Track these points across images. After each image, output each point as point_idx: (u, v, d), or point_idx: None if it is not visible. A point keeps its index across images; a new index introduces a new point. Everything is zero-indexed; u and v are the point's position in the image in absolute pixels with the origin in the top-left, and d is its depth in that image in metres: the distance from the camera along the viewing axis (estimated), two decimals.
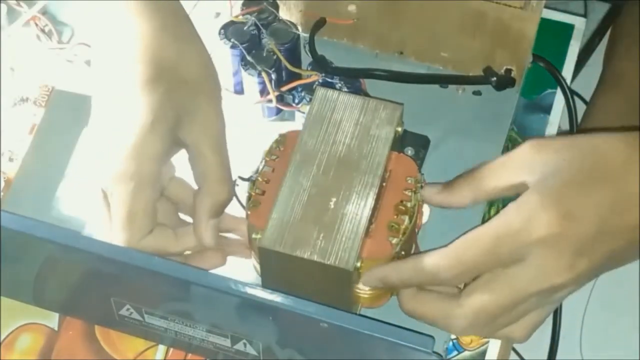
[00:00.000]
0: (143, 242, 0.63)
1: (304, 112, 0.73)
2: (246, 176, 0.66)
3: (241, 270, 0.68)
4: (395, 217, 0.64)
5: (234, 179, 0.69)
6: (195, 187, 0.66)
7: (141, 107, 0.63)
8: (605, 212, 0.58)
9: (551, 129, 0.76)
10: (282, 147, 0.67)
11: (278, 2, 0.75)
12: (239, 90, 0.76)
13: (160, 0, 0.66)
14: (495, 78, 0.76)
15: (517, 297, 0.59)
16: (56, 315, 0.71)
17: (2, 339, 0.71)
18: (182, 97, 0.64)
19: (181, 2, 0.80)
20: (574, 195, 0.58)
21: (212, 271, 0.66)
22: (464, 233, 0.60)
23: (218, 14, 0.81)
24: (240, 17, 0.74)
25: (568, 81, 0.78)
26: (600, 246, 0.58)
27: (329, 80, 0.75)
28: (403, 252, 0.65)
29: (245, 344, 0.65)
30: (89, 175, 0.67)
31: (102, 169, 0.64)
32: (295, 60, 0.75)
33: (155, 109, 0.63)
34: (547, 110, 0.78)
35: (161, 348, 0.70)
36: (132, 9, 0.65)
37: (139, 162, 0.63)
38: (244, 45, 0.72)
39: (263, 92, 0.73)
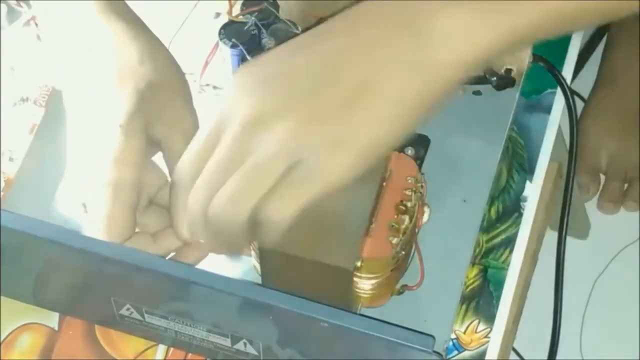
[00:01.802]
0: None
1: None
2: None
3: (241, 270, 0.68)
4: (395, 217, 0.64)
5: None
6: None
7: (111, 112, 0.63)
8: (289, 50, 0.58)
9: (551, 128, 0.76)
10: None
11: (278, 2, 0.75)
12: None
13: (112, 0, 0.66)
14: (495, 78, 0.76)
15: (214, 127, 0.57)
16: (56, 315, 0.71)
17: (2, 338, 0.71)
18: (149, 96, 0.64)
19: (181, 2, 0.81)
20: (254, 61, 0.59)
21: (213, 271, 0.66)
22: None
23: (218, 14, 0.81)
24: (240, 17, 0.74)
25: (568, 81, 0.78)
26: (288, 72, 0.56)
27: None
28: (403, 252, 0.65)
29: (245, 344, 0.65)
30: (79, 181, 0.68)
31: (79, 182, 0.64)
32: None
33: (124, 113, 0.63)
34: (547, 110, 0.78)
35: (161, 348, 0.70)
36: (90, 13, 0.66)
37: (115, 168, 0.63)
38: (244, 45, 0.72)
39: None
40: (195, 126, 0.66)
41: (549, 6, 0.56)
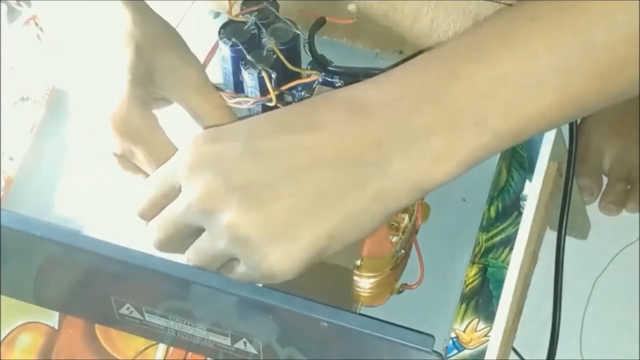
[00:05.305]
0: None
1: None
2: None
3: None
4: (395, 215, 0.64)
5: None
6: None
7: (115, 71, 0.65)
8: (252, 133, 0.57)
9: None
10: None
11: (278, 2, 0.75)
12: (239, 90, 0.76)
13: None
14: None
15: (169, 218, 0.59)
16: (56, 314, 0.71)
17: (2, 337, 0.71)
18: (151, 50, 0.66)
19: (181, 1, 0.81)
20: (219, 130, 0.59)
21: None
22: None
23: (218, 14, 0.81)
24: (240, 16, 0.74)
25: None
26: (248, 163, 0.56)
27: (329, 79, 0.75)
28: (403, 251, 0.65)
29: (245, 343, 0.65)
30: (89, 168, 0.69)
31: (104, 137, 0.66)
32: (295, 59, 0.75)
33: (128, 67, 0.65)
34: None
35: (161, 347, 0.70)
36: None
37: (136, 110, 0.65)
38: (243, 45, 0.72)
39: (263, 91, 0.73)
40: (198, 71, 0.68)
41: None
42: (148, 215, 0.61)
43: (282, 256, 0.56)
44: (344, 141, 0.56)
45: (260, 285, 0.61)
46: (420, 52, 0.58)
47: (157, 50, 0.67)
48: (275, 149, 0.56)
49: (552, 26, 0.54)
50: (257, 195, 0.56)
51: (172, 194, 0.59)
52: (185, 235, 0.59)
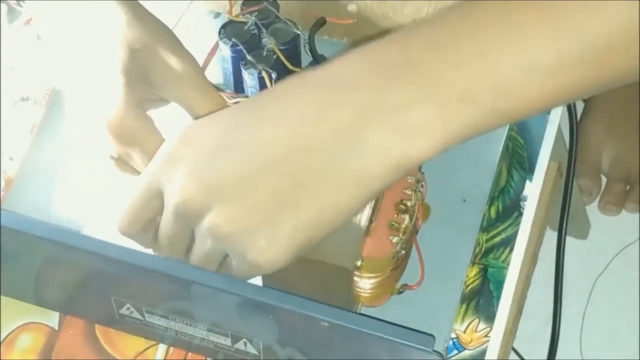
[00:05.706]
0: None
1: None
2: None
3: None
4: (395, 216, 0.64)
5: None
6: None
7: (111, 72, 0.65)
8: (225, 128, 0.57)
9: (551, 128, 0.76)
10: None
11: (278, 2, 0.75)
12: (239, 90, 0.76)
13: None
14: None
15: (162, 231, 0.59)
16: (56, 315, 0.71)
17: (2, 338, 0.71)
18: (145, 52, 0.66)
19: (181, 2, 0.81)
20: (195, 126, 0.59)
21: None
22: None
23: (218, 14, 0.81)
24: (240, 16, 0.74)
25: None
26: (221, 160, 0.56)
27: None
28: (403, 251, 0.65)
29: (245, 343, 0.65)
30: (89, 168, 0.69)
31: (101, 138, 0.66)
32: (296, 59, 0.75)
33: (122, 68, 0.65)
34: None
35: (161, 347, 0.70)
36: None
37: (130, 112, 0.65)
38: (244, 45, 0.72)
39: None
40: (192, 67, 0.67)
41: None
42: (131, 229, 0.60)
43: (266, 245, 0.55)
44: (316, 125, 0.54)
45: (261, 285, 0.61)
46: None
47: (152, 50, 0.66)
48: (247, 143, 0.55)
49: (547, 9, 0.52)
50: (233, 191, 0.55)
51: (154, 202, 0.59)
52: (187, 243, 0.59)
